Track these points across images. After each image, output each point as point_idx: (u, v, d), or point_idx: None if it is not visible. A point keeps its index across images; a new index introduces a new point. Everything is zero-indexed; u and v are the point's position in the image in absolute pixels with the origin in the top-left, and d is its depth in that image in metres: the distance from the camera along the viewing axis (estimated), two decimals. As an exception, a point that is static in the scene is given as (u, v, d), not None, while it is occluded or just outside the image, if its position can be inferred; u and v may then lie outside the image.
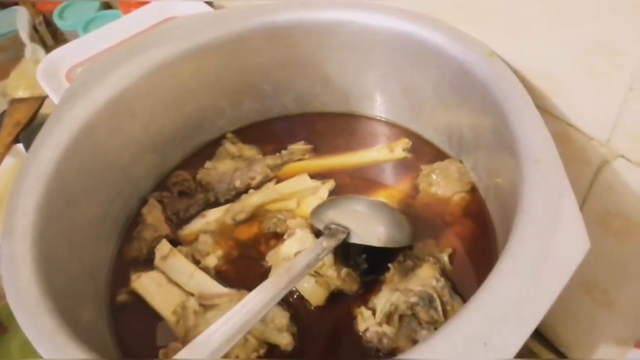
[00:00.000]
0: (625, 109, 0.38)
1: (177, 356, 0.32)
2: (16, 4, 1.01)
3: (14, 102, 0.87)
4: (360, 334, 0.43)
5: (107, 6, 1.00)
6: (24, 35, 0.93)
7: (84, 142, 0.46)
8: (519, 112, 0.40)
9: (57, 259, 0.40)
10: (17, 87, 0.91)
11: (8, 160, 0.77)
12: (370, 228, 0.45)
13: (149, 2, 0.90)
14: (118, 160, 0.51)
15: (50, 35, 1.02)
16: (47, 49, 0.96)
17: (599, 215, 0.45)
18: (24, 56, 0.94)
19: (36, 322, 0.33)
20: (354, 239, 0.44)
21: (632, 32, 0.34)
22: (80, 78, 0.48)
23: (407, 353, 0.29)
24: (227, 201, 0.54)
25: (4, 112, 0.86)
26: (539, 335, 0.58)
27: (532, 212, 0.34)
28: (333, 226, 0.44)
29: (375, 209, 0.47)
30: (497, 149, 0.44)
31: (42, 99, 0.87)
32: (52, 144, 0.43)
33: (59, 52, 0.81)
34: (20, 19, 0.94)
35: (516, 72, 0.43)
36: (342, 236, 0.43)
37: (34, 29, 0.98)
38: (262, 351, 0.43)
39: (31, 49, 0.94)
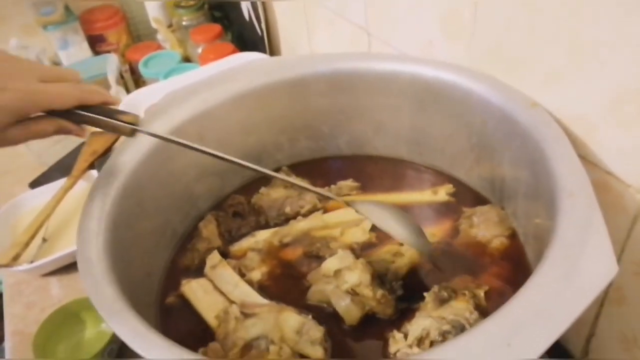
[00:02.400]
0: (660, 155, 0.40)
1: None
2: (108, 52, 1.14)
3: (94, 134, 0.96)
4: (391, 356, 0.44)
5: (187, 60, 1.12)
6: (112, 78, 1.04)
7: (159, 154, 0.52)
8: (556, 153, 0.42)
9: (123, 247, 0.45)
10: (98, 123, 1.01)
11: (82, 184, 0.84)
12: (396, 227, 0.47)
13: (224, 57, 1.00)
14: (184, 176, 0.56)
15: (134, 82, 1.14)
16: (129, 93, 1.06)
17: (638, 265, 0.45)
18: (108, 97, 1.06)
19: (100, 290, 0.37)
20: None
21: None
22: (164, 99, 0.55)
23: (432, 349, 0.31)
24: (276, 225, 0.58)
25: (83, 143, 0.95)
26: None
27: (563, 237, 0.35)
28: None
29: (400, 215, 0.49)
30: (537, 192, 0.46)
31: (119, 135, 0.96)
32: (133, 149, 0.49)
33: (141, 92, 0.91)
34: (110, 64, 1.06)
35: (557, 121, 0.46)
36: None
37: (120, 75, 1.10)
38: (294, 361, 0.44)
39: (115, 90, 1.05)
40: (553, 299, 0.32)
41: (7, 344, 0.65)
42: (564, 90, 0.46)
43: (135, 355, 0.34)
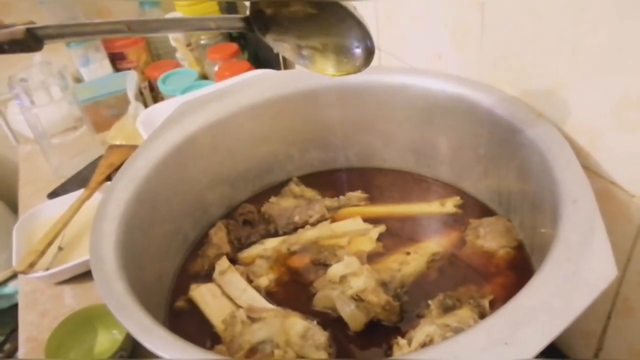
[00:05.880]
0: (664, 165, 0.40)
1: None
2: (128, 69, 1.17)
3: (111, 147, 0.99)
4: (395, 362, 0.44)
5: (204, 77, 1.15)
6: (131, 94, 1.07)
7: (173, 160, 0.53)
8: (560, 162, 0.43)
9: (134, 250, 0.46)
10: (116, 137, 1.04)
11: (99, 196, 0.86)
12: None
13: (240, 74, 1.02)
14: (196, 183, 0.58)
15: (152, 99, 1.17)
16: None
17: (644, 276, 0.45)
18: (126, 112, 1.08)
19: (110, 285, 0.38)
20: None
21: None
22: (179, 109, 0.57)
23: (430, 347, 0.31)
24: (285, 234, 0.59)
25: (101, 156, 0.98)
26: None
27: (564, 240, 0.36)
28: None
29: None
30: (542, 202, 0.47)
31: (136, 147, 0.98)
32: (148, 156, 0.51)
33: (158, 106, 0.93)
34: (130, 81, 1.09)
35: (562, 132, 0.47)
36: None
37: (140, 91, 1.13)
38: (298, 366, 0.45)
39: (134, 106, 1.07)
40: (552, 298, 0.32)
41: (21, 350, 0.66)
42: (567, 99, 0.46)
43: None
